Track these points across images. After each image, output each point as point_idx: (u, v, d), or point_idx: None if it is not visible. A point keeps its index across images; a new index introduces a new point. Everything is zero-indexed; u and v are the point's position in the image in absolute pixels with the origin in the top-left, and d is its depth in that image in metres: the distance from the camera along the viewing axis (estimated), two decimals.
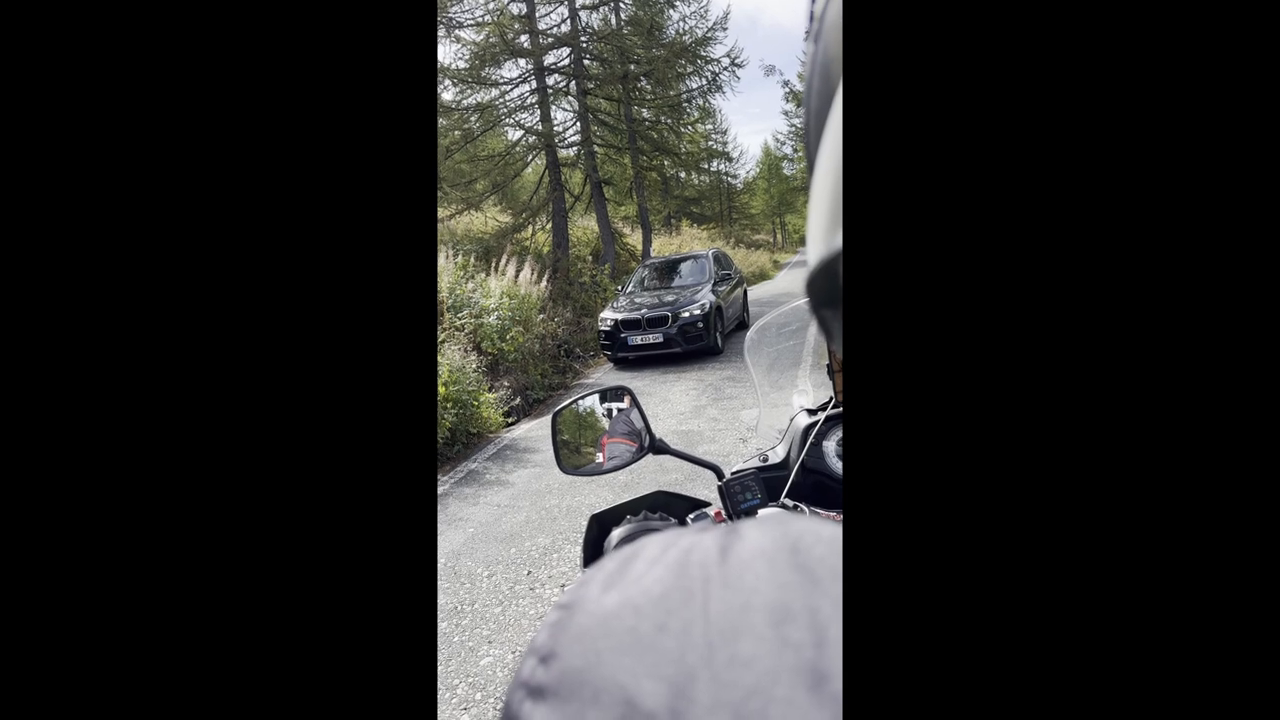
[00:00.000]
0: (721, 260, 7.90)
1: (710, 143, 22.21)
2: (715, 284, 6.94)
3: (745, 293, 8.19)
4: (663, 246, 15.05)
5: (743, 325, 7.81)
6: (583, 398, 0.85)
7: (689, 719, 0.15)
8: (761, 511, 0.74)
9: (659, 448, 0.82)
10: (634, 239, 13.30)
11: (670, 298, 6.70)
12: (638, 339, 6.36)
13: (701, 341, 6.34)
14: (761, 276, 16.76)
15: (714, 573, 0.19)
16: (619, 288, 8.21)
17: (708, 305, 6.41)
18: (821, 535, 0.19)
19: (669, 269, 7.76)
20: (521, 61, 10.18)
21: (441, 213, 10.63)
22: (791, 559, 0.18)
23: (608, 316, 6.64)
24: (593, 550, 0.76)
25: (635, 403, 0.85)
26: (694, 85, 11.60)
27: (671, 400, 5.03)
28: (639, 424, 0.84)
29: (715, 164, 23.28)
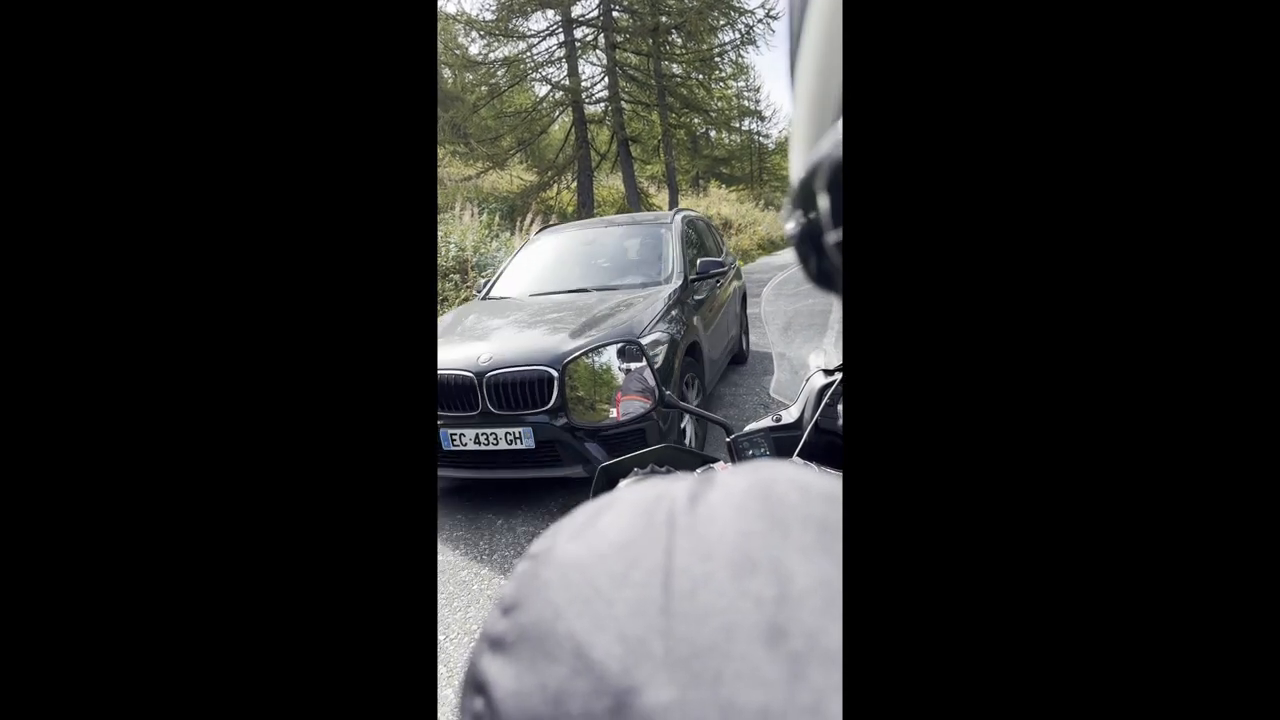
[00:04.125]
0: (699, 233, 3.85)
1: (743, 100, 21.63)
2: (680, 290, 2.93)
3: (744, 297, 4.25)
4: (690, 207, 14.91)
5: (739, 359, 4.11)
6: (592, 349, 0.84)
7: (639, 676, 0.15)
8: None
9: (668, 403, 0.82)
10: (660, 199, 13.13)
11: (568, 325, 2.30)
12: (464, 438, 2.16)
13: (625, 443, 1.94)
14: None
15: (681, 521, 0.18)
16: (482, 282, 4.30)
17: (653, 348, 2.19)
18: (796, 481, 0.18)
19: (590, 251, 3.49)
20: (550, 12, 9.96)
21: (467, 170, 10.63)
22: (761, 506, 0.18)
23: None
24: None
25: (646, 357, 0.84)
26: (726, 39, 11.22)
27: None
28: (649, 379, 0.83)
29: (747, 122, 22.73)
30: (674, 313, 2.66)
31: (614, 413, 0.86)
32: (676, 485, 0.20)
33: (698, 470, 0.73)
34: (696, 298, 3.06)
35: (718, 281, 3.45)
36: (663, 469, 0.73)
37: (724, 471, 0.20)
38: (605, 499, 0.21)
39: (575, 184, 10.43)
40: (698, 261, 3.23)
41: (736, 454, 0.76)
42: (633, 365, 0.90)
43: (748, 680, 0.15)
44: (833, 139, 0.19)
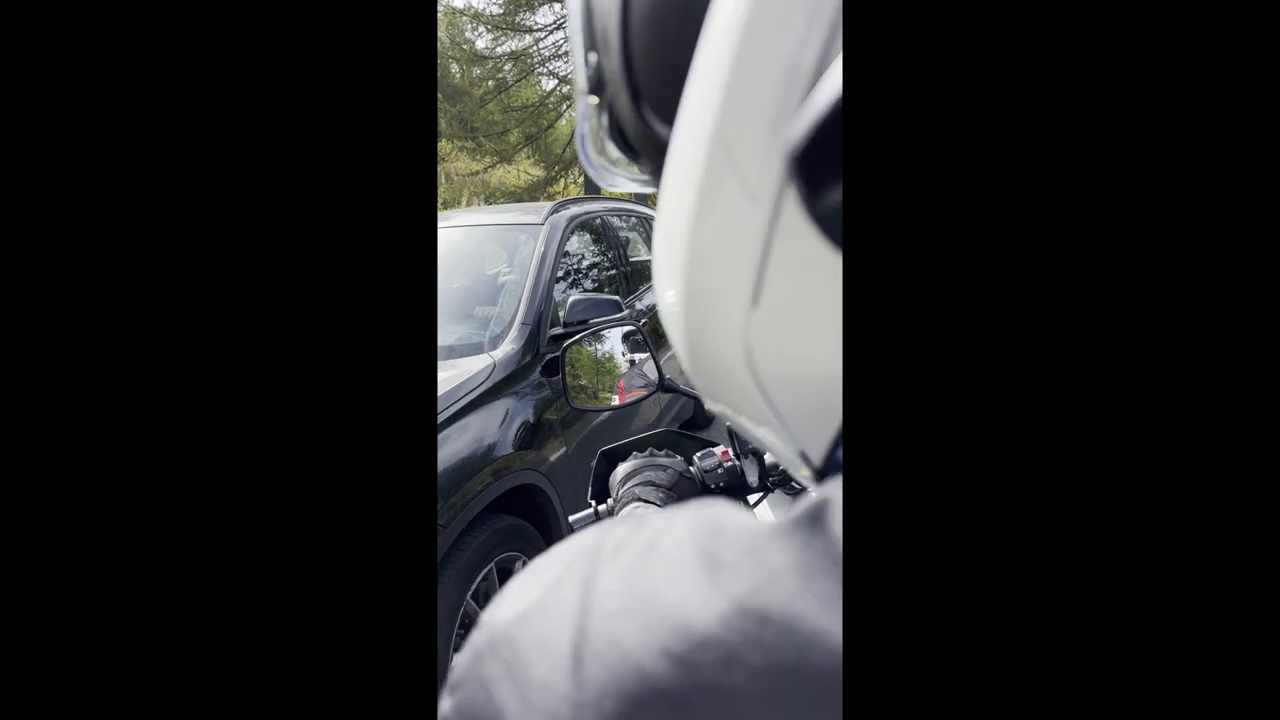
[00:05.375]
0: (611, 245, 2.41)
1: None
2: (513, 374, 1.47)
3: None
4: None
5: (693, 424, 2.76)
6: (593, 333, 0.83)
7: None
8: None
9: (668, 386, 0.82)
10: None
11: None
12: None
13: None
14: None
15: (602, 573, 0.18)
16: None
17: None
18: (720, 523, 0.18)
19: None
20: (556, 6, 9.93)
21: (474, 165, 10.63)
22: (683, 554, 0.17)
23: None
24: (599, 485, 0.75)
25: (646, 341, 0.84)
26: None
27: None
28: (649, 362, 0.83)
29: None
30: (472, 442, 1.26)
31: (616, 399, 0.85)
32: (608, 534, 0.19)
33: (699, 455, 0.72)
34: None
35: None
36: (663, 453, 0.73)
37: (655, 515, 0.19)
38: (542, 559, 0.20)
39: (582, 179, 10.42)
40: (568, 303, 1.71)
41: (736, 437, 0.75)
42: (638, 356, 0.90)
43: None
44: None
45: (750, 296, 0.20)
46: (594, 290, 2.13)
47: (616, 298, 1.87)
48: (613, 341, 0.86)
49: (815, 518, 0.16)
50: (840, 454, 0.22)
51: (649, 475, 0.67)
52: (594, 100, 0.27)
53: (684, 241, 0.21)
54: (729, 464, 0.71)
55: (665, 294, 0.24)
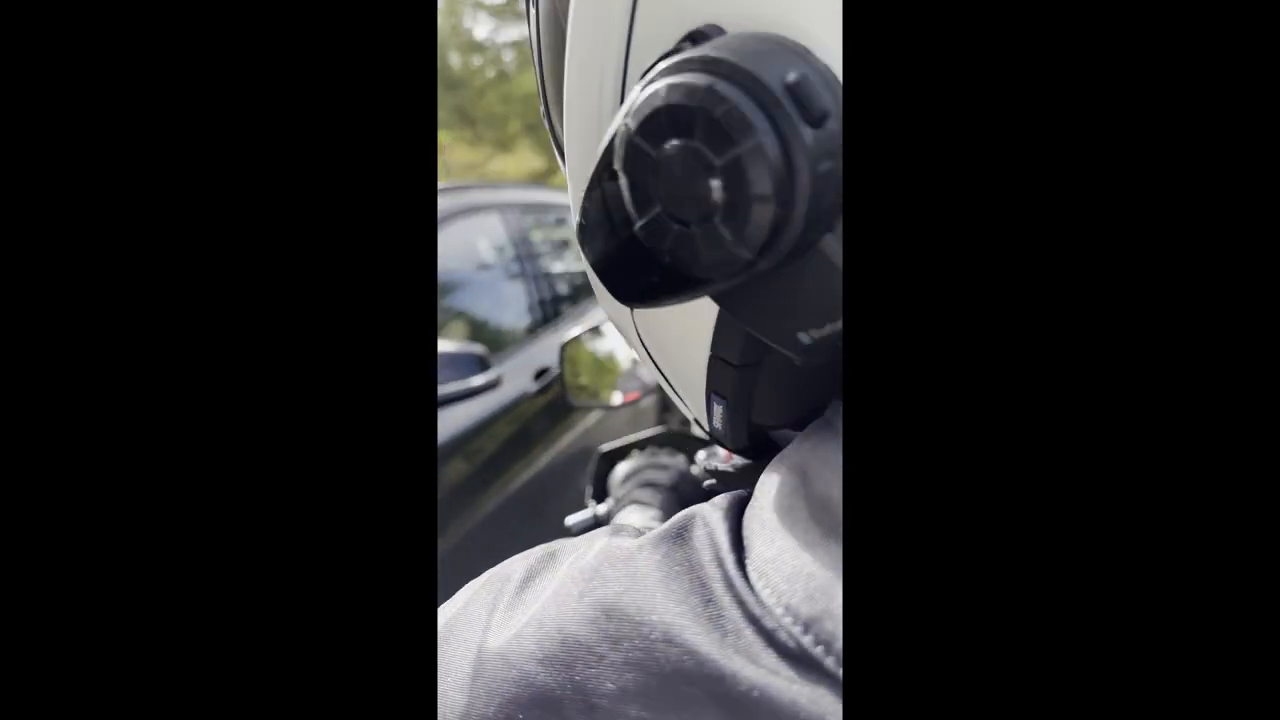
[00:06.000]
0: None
1: None
2: None
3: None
4: None
5: None
6: (593, 329, 0.82)
7: None
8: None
9: None
10: None
11: None
12: None
13: None
14: None
15: (505, 600, 0.21)
16: None
17: None
18: (615, 553, 0.19)
19: None
20: None
21: (475, 156, 10.58)
22: (577, 585, 0.19)
23: None
24: (599, 484, 0.74)
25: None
26: None
27: None
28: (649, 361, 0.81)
29: None
30: None
31: (616, 397, 0.85)
32: (520, 563, 0.21)
33: (701, 454, 0.72)
34: None
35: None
36: (663, 451, 0.72)
37: (571, 546, 0.21)
38: (473, 582, 0.22)
39: None
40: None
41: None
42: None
43: None
44: (630, 110, 0.18)
45: None
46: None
47: (480, 351, 1.31)
48: (602, 334, 0.85)
49: (681, 530, 0.18)
50: (719, 423, 0.26)
51: (649, 475, 0.67)
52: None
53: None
54: (732, 463, 0.70)
55: None
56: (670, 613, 0.16)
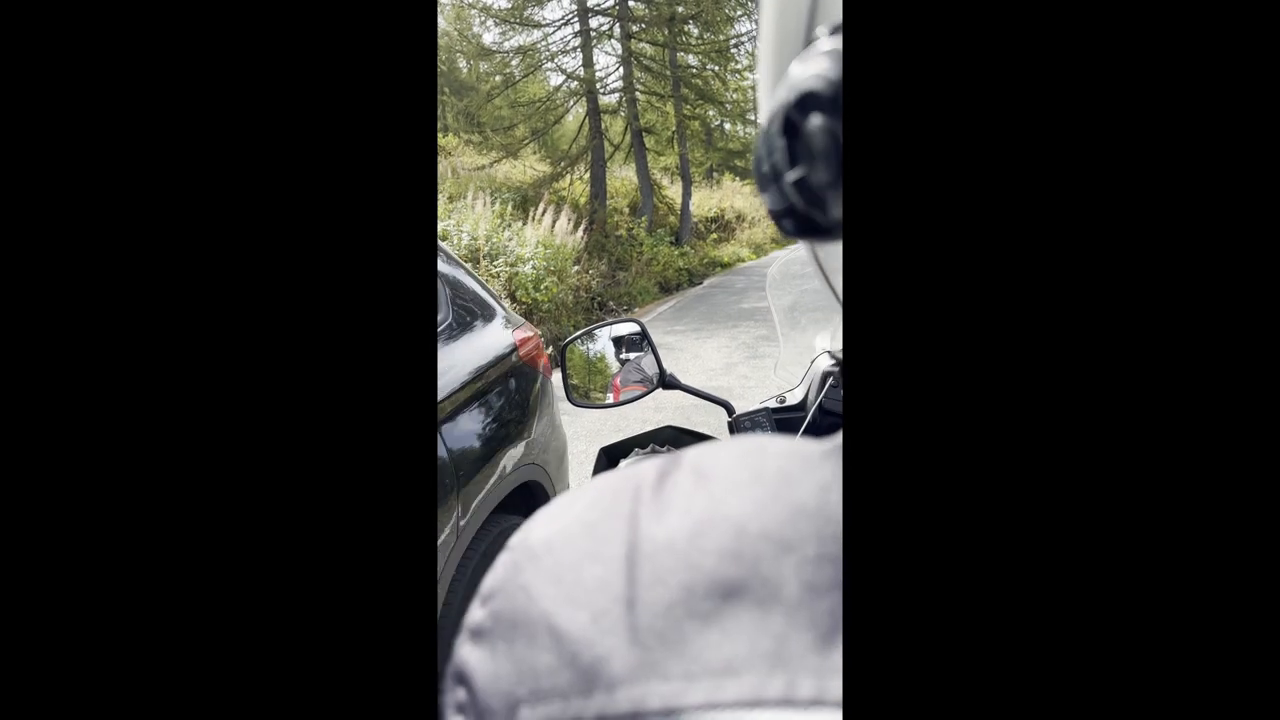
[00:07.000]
0: None
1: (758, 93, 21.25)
2: None
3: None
4: (703, 200, 14.69)
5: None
6: (593, 330, 0.83)
7: (606, 645, 0.16)
8: None
9: (669, 383, 0.81)
10: (673, 192, 13.02)
11: None
12: None
13: None
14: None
15: (646, 495, 0.19)
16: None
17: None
18: (755, 444, 0.19)
19: None
20: (565, 1, 9.88)
21: (481, 160, 10.59)
22: (735, 470, 0.18)
23: None
24: None
25: (647, 337, 0.84)
26: (743, 30, 11.09)
27: (703, 356, 5.00)
28: (650, 358, 0.82)
29: None
30: None
31: (611, 397, 0.86)
32: (647, 465, 0.21)
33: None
34: None
35: None
36: (664, 449, 0.73)
37: (692, 449, 0.20)
38: (580, 488, 0.22)
39: (588, 174, 10.37)
40: None
41: (738, 434, 0.76)
42: (631, 355, 0.90)
43: (709, 635, 0.15)
44: (787, 84, 0.20)
45: None
46: None
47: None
48: (605, 341, 0.86)
49: None
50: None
51: None
52: None
53: None
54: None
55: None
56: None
